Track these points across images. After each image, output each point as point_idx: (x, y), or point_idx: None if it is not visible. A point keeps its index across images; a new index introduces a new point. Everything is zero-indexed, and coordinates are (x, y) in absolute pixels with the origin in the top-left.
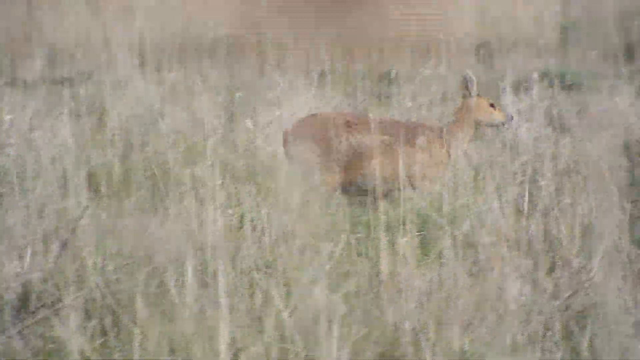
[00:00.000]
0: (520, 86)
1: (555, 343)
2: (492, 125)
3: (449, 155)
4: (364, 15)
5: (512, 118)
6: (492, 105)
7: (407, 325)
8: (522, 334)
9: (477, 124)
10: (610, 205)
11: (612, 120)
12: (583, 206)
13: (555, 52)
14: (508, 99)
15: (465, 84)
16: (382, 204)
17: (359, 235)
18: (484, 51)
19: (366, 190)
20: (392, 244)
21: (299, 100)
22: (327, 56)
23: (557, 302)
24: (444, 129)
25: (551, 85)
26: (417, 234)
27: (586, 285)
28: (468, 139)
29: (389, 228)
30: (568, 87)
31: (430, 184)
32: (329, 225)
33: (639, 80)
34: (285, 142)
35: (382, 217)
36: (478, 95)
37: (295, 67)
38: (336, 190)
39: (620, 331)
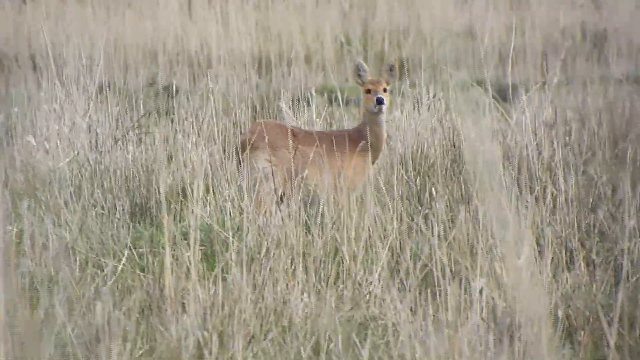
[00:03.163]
0: (299, 101)
1: (337, 355)
2: (372, 114)
3: (365, 155)
4: (140, 26)
5: (379, 102)
6: (368, 91)
7: (191, 340)
8: (306, 347)
9: (369, 115)
10: (389, 218)
11: (391, 133)
12: (365, 220)
13: (333, 67)
14: (288, 113)
15: (358, 73)
16: (166, 218)
17: (141, 250)
18: (264, 66)
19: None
20: (176, 258)
21: (79, 114)
22: (105, 68)
23: (340, 315)
24: (356, 130)
25: (330, 100)
26: (201, 247)
27: (367, 297)
28: (377, 131)
29: (172, 242)
30: (346, 102)
31: (355, 189)
32: (110, 240)
33: (414, 96)
34: (242, 150)
35: (165, 232)
36: (363, 82)
37: (72, 80)
38: (281, 200)
39: (398, 342)
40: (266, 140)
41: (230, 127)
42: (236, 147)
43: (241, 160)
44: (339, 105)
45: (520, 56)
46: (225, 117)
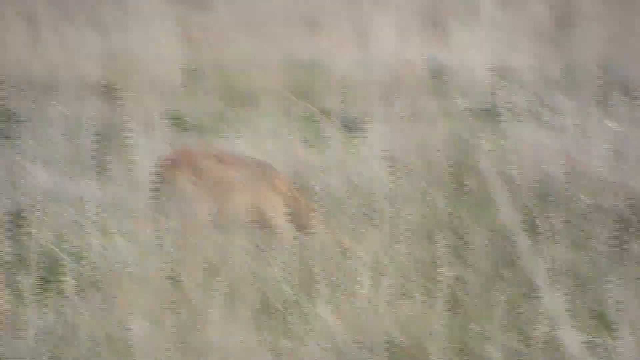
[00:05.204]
0: (145, 128)
1: None
2: None
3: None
4: None
5: None
6: None
7: None
8: None
9: None
10: (231, 245)
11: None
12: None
13: (179, 95)
14: (139, 141)
15: None
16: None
17: None
18: (109, 92)
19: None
20: (12, 282)
21: None
22: None
23: (179, 340)
24: None
25: (175, 126)
26: (38, 271)
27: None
28: None
29: (9, 266)
30: (196, 129)
31: (286, 222)
32: None
33: (260, 124)
34: (158, 175)
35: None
36: None
37: None
38: (206, 224)
39: None
40: (187, 161)
41: (75, 153)
42: (156, 170)
43: (160, 182)
44: (184, 132)
45: (366, 88)
46: (68, 143)
